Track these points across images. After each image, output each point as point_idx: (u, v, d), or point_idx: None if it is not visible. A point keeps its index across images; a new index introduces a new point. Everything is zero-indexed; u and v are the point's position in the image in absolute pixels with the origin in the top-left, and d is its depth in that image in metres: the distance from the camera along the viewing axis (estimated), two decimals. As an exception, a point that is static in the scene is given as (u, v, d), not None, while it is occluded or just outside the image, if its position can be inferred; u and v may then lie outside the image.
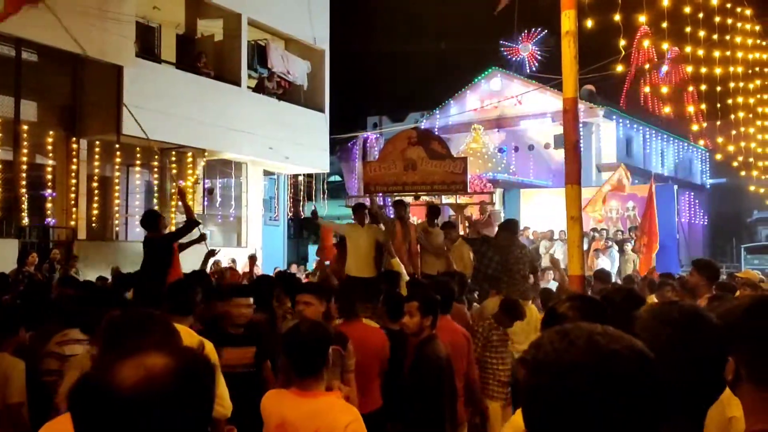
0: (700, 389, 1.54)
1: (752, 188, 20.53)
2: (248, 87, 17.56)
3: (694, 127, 27.72)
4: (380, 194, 12.43)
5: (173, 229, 15.40)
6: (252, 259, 12.14)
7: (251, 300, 4.77)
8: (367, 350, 4.68)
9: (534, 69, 31.25)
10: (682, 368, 1.49)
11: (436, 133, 20.01)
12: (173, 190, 16.16)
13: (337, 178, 32.29)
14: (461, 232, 11.65)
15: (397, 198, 11.17)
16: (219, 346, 4.08)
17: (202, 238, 8.33)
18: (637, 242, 15.40)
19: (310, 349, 3.17)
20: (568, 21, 3.92)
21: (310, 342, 3.18)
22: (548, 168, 27.31)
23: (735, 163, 18.12)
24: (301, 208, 24.06)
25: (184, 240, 8.19)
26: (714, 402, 1.58)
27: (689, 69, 14.96)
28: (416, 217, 14.81)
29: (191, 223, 8.12)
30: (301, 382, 3.14)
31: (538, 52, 32.36)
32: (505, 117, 28.47)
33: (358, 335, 4.69)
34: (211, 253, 8.22)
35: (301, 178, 22.84)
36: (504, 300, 5.80)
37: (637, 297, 3.08)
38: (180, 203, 8.49)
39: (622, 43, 11.15)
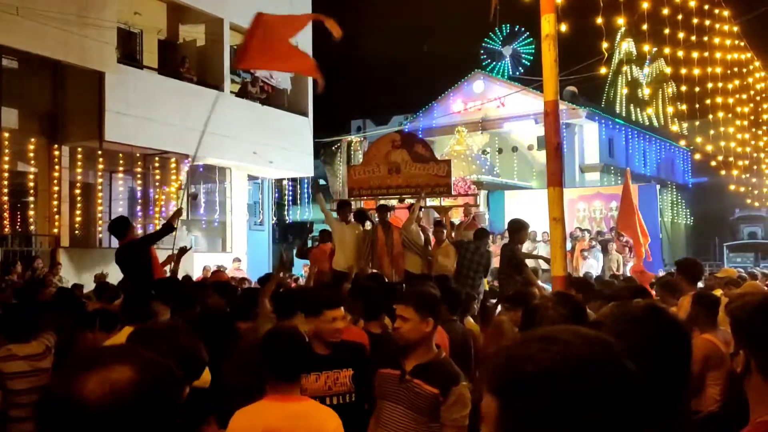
0: (669, 386, 1.57)
1: (732, 187, 20.75)
2: (231, 92, 17.51)
3: (674, 128, 28.05)
4: (365, 198, 12.47)
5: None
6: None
7: (342, 310, 4.06)
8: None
9: (518, 72, 31.51)
10: (651, 365, 1.52)
11: (420, 135, 20.05)
12: (159, 198, 16.11)
13: (322, 182, 32.29)
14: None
15: (380, 202, 11.25)
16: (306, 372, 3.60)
17: (184, 251, 8.22)
18: (616, 242, 15.52)
19: (295, 353, 3.15)
20: (548, 24, 3.96)
21: (296, 346, 3.17)
22: (532, 169, 27.45)
23: (713, 163, 18.31)
24: (285, 213, 24.04)
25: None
26: (683, 398, 1.61)
27: (669, 70, 15.09)
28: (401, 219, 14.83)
29: (167, 228, 8.02)
30: (280, 387, 3.11)
31: (522, 54, 32.63)
32: (488, 119, 28.58)
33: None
34: (183, 250, 8.12)
35: (285, 182, 22.81)
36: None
37: (647, 293, 3.15)
38: (171, 217, 8.37)
39: (604, 45, 11.24)
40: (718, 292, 6.95)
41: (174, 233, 8.32)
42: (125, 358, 1.25)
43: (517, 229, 9.18)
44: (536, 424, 1.04)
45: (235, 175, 18.91)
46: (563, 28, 7.38)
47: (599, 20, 10.23)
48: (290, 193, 24.76)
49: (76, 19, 12.91)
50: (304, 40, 19.61)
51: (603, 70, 14.64)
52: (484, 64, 33.59)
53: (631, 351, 1.27)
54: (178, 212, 8.53)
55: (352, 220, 10.01)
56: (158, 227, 15.41)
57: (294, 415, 3.03)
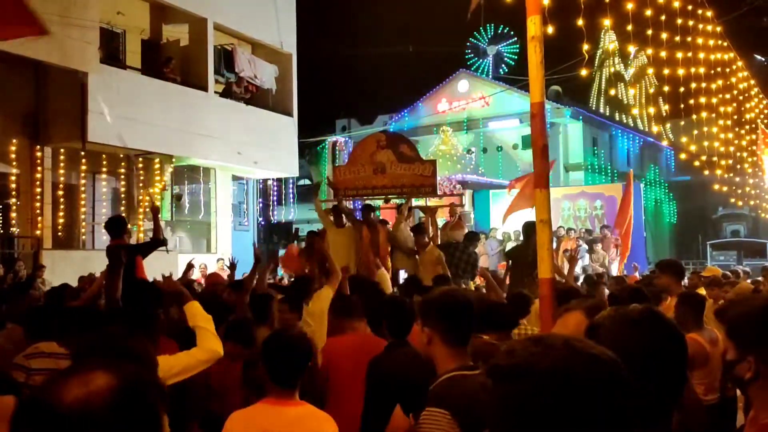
0: (666, 387, 1.57)
1: (716, 186, 20.92)
2: (215, 92, 17.43)
3: (654, 129, 28.26)
4: (350, 198, 12.46)
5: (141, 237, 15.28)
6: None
7: None
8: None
9: (501, 72, 31.64)
10: (649, 368, 1.52)
11: (405, 135, 20.05)
12: (143, 199, 16.00)
13: (307, 181, 32.22)
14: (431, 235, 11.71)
15: (366, 202, 11.27)
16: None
17: (163, 243, 8.21)
18: (606, 241, 15.59)
19: (295, 359, 3.13)
20: (533, 26, 3.95)
21: (296, 352, 3.15)
22: (516, 168, 27.53)
23: (697, 163, 18.45)
24: (270, 213, 23.95)
25: None
26: (678, 400, 1.62)
27: (652, 70, 15.19)
28: (387, 219, 14.84)
29: (157, 242, 7.98)
30: (279, 392, 3.10)
31: (505, 55, 32.75)
32: (473, 118, 28.64)
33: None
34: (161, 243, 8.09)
35: (270, 182, 22.73)
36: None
37: (644, 296, 3.16)
38: (152, 219, 8.32)
39: (585, 47, 11.27)
40: (702, 291, 7.02)
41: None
42: (105, 365, 1.25)
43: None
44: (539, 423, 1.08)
45: (219, 176, 18.83)
46: (549, 30, 7.39)
47: (581, 21, 10.26)
48: (275, 193, 24.68)
49: (58, 19, 12.78)
50: (287, 40, 19.60)
51: (584, 72, 14.68)
52: (469, 62, 33.70)
53: (630, 353, 1.30)
54: (155, 209, 8.50)
55: (347, 224, 10.06)
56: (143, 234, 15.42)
57: (291, 419, 3.03)
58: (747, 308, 1.81)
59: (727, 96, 16.85)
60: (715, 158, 18.77)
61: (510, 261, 9.43)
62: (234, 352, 4.15)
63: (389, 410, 3.14)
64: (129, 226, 15.47)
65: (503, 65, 33.66)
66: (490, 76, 31.85)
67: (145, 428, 1.23)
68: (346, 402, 4.14)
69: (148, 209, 14.46)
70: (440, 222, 13.13)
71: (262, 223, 24.15)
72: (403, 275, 10.13)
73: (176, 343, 4.25)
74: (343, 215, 10.28)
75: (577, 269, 14.86)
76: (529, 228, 8.68)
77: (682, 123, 19.14)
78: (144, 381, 1.26)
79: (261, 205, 22.71)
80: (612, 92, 34.13)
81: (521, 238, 17.37)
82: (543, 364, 1.10)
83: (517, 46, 32.78)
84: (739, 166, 21.99)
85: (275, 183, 23.29)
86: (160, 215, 8.44)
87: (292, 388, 3.11)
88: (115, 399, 1.18)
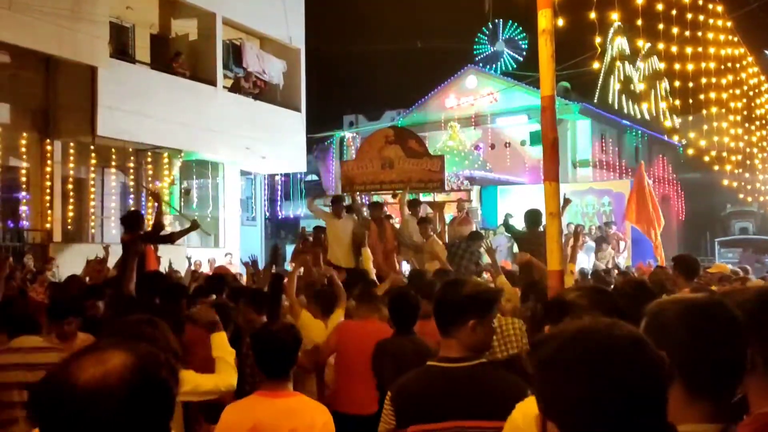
0: (729, 370, 1.57)
1: (725, 182, 20.81)
2: (224, 87, 17.46)
3: (667, 123, 28.12)
4: (358, 193, 12.48)
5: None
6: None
7: None
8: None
9: (511, 68, 31.58)
10: (709, 353, 1.54)
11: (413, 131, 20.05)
12: (147, 191, 16.08)
13: (314, 177, 32.26)
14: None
15: (374, 200, 11.28)
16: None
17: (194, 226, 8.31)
18: (609, 237, 15.54)
19: (283, 350, 3.20)
20: (544, 20, 3.95)
21: (283, 343, 3.22)
22: (524, 165, 27.46)
23: (706, 158, 18.36)
24: (278, 208, 24.00)
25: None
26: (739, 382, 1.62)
27: (662, 65, 15.13)
28: (395, 215, 14.87)
29: (158, 227, 8.04)
30: (271, 383, 3.17)
31: (511, 50, 32.67)
32: (480, 114, 28.59)
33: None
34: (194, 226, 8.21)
35: (278, 177, 22.77)
36: None
37: (648, 290, 3.14)
38: (155, 203, 8.40)
39: (597, 40, 11.24)
40: (713, 288, 6.99)
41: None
42: (121, 345, 1.28)
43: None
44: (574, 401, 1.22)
45: (227, 171, 18.88)
46: (560, 23, 7.38)
47: (592, 15, 10.23)
48: (282, 188, 24.74)
49: (69, 14, 12.84)
50: (296, 35, 19.61)
51: (596, 65, 14.61)
52: (477, 57, 33.63)
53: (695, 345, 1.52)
54: (155, 195, 8.56)
55: (345, 214, 10.08)
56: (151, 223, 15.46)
57: (283, 410, 3.07)
58: (740, 299, 1.80)
59: (737, 92, 16.77)
60: (724, 154, 18.67)
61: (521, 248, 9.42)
62: None
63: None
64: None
65: (518, 55, 33.54)
66: (499, 72, 31.78)
67: (158, 407, 1.26)
68: (353, 380, 4.51)
69: (149, 196, 14.53)
70: (447, 218, 13.16)
71: (269, 218, 24.23)
72: (406, 267, 10.19)
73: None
74: (346, 208, 10.31)
75: (585, 266, 14.86)
76: (533, 216, 8.69)
77: (691, 119, 19.04)
78: (158, 361, 1.29)
79: (268, 200, 22.76)
80: (620, 87, 33.98)
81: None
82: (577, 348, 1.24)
83: (526, 42, 32.74)
84: (749, 162, 21.88)
85: (282, 178, 23.34)
86: (163, 202, 8.49)
87: (283, 378, 3.18)
88: (130, 377, 1.21)
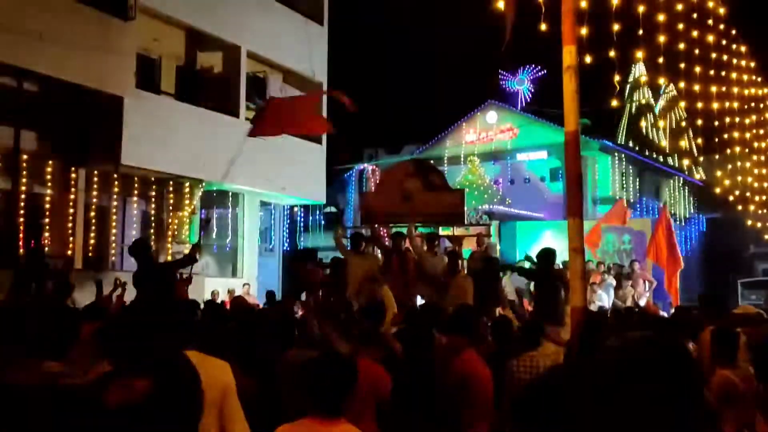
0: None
1: (749, 222, 20.57)
2: (246, 118, 17.62)
3: (689, 161, 27.94)
4: (377, 225, 12.47)
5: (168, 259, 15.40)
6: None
7: None
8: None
9: (529, 101, 31.60)
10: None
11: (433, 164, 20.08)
12: (171, 223, 16.22)
13: (333, 209, 32.35)
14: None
15: (395, 230, 11.23)
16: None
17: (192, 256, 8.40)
18: (634, 276, 15.38)
19: (336, 386, 3.03)
20: (569, 56, 3.97)
21: (337, 379, 3.04)
22: (544, 201, 27.39)
23: (731, 197, 18.19)
24: (297, 239, 24.04)
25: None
26: None
27: (684, 104, 15.07)
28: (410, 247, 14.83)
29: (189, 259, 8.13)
30: (321, 412, 3.01)
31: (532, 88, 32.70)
32: (500, 149, 28.64)
33: None
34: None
35: (297, 209, 22.85)
36: None
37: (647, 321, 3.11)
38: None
39: (617, 78, 11.24)
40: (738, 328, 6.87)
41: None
42: (146, 370, 1.34)
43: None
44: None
45: (247, 201, 18.98)
46: (587, 59, 7.41)
47: (613, 53, 10.25)
48: (302, 219, 24.80)
49: (97, 45, 13.08)
50: (319, 69, 19.80)
51: (615, 103, 14.60)
52: (501, 87, 33.65)
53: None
54: (197, 247, 8.70)
55: (366, 250, 10.06)
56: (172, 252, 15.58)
57: None
58: (759, 337, 1.83)
59: (761, 131, 16.66)
60: (748, 194, 18.49)
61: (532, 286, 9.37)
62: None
63: None
64: (158, 247, 15.72)
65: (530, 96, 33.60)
66: (519, 107, 31.87)
67: (185, 415, 1.32)
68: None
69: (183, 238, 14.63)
70: (465, 252, 13.09)
71: (288, 249, 24.26)
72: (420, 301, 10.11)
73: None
74: (366, 242, 10.29)
75: (605, 304, 14.69)
76: (546, 255, 8.67)
77: (716, 157, 18.90)
78: (179, 385, 1.34)
79: (287, 231, 22.82)
80: (642, 125, 33.90)
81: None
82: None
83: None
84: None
85: (302, 210, 23.42)
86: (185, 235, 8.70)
87: (335, 415, 3.00)
88: (153, 400, 1.26)
